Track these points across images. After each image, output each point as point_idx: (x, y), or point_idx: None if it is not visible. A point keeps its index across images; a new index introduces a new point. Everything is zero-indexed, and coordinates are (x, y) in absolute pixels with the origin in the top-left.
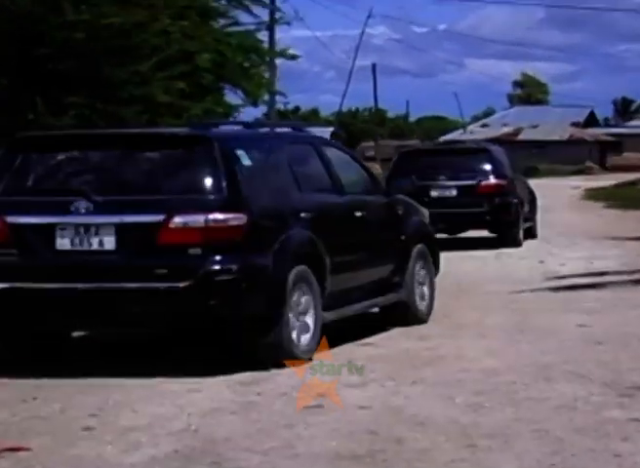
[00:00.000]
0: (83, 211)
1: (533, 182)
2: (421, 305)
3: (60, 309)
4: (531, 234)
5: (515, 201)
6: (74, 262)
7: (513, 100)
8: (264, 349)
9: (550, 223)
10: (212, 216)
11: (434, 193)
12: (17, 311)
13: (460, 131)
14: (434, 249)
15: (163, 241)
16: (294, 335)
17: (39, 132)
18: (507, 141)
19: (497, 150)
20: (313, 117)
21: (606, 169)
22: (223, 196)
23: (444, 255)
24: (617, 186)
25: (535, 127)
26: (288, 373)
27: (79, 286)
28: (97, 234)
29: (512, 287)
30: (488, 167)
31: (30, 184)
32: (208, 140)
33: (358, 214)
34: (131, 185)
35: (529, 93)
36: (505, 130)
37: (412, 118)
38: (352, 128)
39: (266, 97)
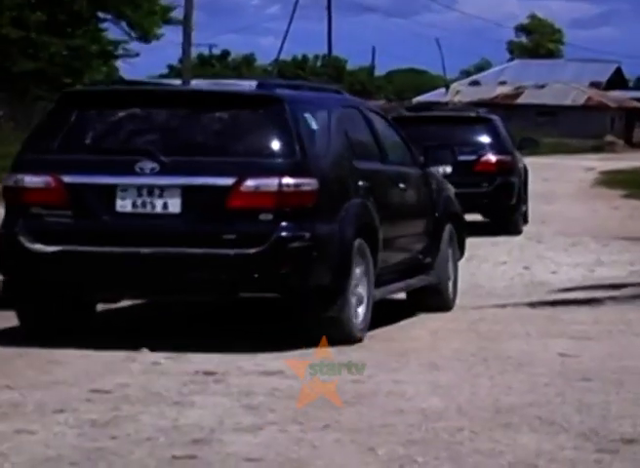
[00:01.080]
0: (148, 171)
1: (534, 161)
2: (451, 290)
3: (119, 275)
4: (523, 219)
5: (517, 181)
6: (135, 226)
7: (515, 51)
8: (324, 324)
9: (548, 217)
10: (285, 181)
11: None
12: (69, 276)
13: (443, 90)
14: (462, 229)
15: (233, 205)
16: (353, 311)
17: (94, 87)
18: (503, 106)
19: (496, 120)
20: (246, 65)
21: (632, 145)
22: (297, 160)
23: None
24: None
25: (541, 87)
26: (157, 412)
27: (140, 250)
28: (161, 196)
29: (482, 301)
30: (488, 140)
31: (88, 142)
32: (279, 101)
33: (402, 185)
34: (199, 146)
35: (537, 41)
36: (502, 90)
37: (379, 71)
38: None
39: (180, 36)
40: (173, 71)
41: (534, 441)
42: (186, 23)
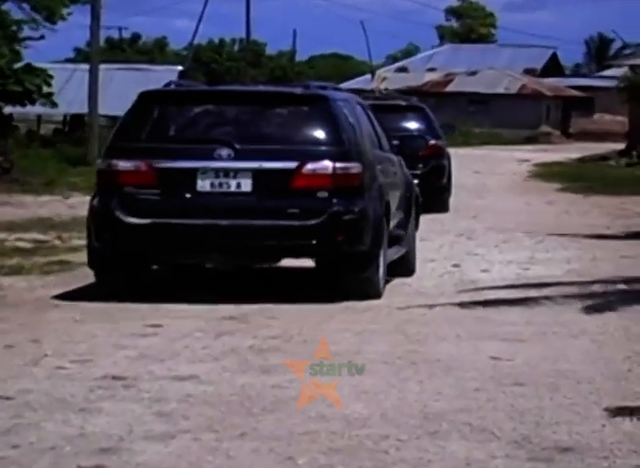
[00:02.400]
0: (224, 157)
1: (464, 153)
2: (413, 259)
3: (201, 242)
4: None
5: (447, 164)
6: (213, 202)
7: (445, 36)
8: (361, 283)
9: (479, 212)
10: (338, 165)
11: None
12: (158, 244)
13: (368, 76)
14: (419, 207)
15: (295, 185)
16: (381, 273)
17: (169, 88)
18: (433, 94)
19: (426, 108)
20: (159, 49)
21: (569, 136)
22: (345, 148)
23: None
24: (581, 161)
25: (473, 74)
26: (61, 419)
27: (219, 222)
28: (235, 177)
29: (409, 300)
30: (421, 126)
31: (172, 133)
32: (326, 99)
33: (392, 169)
34: (265, 136)
35: (468, 25)
36: (432, 77)
37: (301, 56)
38: (215, 67)
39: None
40: (80, 55)
41: (464, 449)
42: (95, 3)
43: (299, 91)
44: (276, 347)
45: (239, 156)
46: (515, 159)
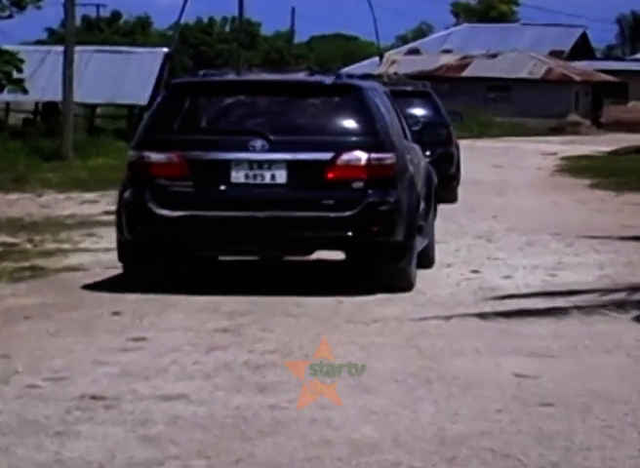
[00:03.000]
0: (258, 148)
1: (483, 145)
2: (433, 250)
3: (237, 234)
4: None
5: (456, 152)
6: (247, 194)
7: (461, 14)
8: (395, 275)
9: (500, 211)
10: (373, 155)
11: None
12: (191, 236)
13: (375, 59)
14: (437, 197)
15: (330, 176)
16: (414, 264)
17: (199, 78)
18: (448, 79)
19: (433, 94)
20: (141, 30)
21: (600, 126)
22: (379, 138)
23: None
24: (613, 154)
25: (492, 57)
26: (35, 444)
27: (256, 214)
28: (269, 169)
29: (423, 311)
30: (429, 113)
31: (204, 125)
32: (359, 89)
33: (416, 158)
34: (299, 127)
35: (488, 3)
36: (446, 60)
37: (300, 37)
38: (204, 49)
39: None
40: (52, 37)
41: None
42: None
43: (330, 80)
44: (274, 363)
45: (273, 147)
46: (540, 152)
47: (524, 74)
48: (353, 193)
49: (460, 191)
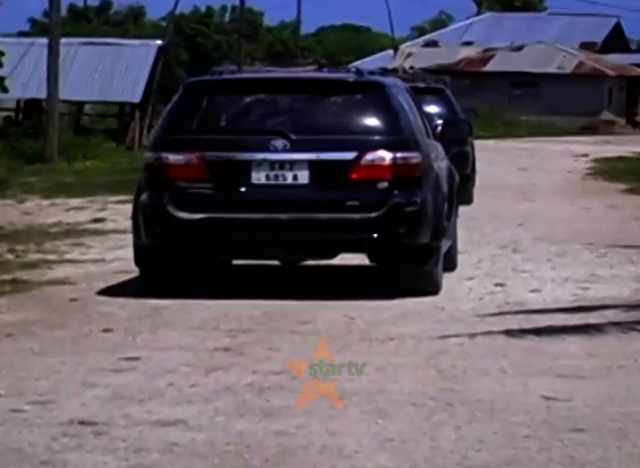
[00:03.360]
0: (280, 148)
1: (508, 146)
2: (456, 253)
3: (259, 237)
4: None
5: (471, 151)
6: (269, 195)
7: (484, 3)
8: (422, 278)
9: (527, 219)
10: (399, 155)
11: None
12: (211, 240)
13: (390, 52)
14: (457, 196)
15: (354, 176)
16: (441, 266)
17: (215, 76)
18: (469, 73)
19: (448, 90)
20: (133, 20)
21: (636, 125)
22: (404, 137)
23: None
24: None
25: (518, 49)
26: None
27: (279, 216)
28: (291, 169)
29: (442, 328)
30: (443, 110)
31: (223, 124)
32: (382, 86)
33: (440, 157)
34: (321, 126)
35: None
36: (467, 53)
37: (307, 28)
38: (201, 41)
39: None
40: (36, 28)
41: None
42: None
43: (352, 77)
44: (280, 385)
45: (295, 147)
46: (570, 153)
47: (552, 68)
48: (378, 194)
49: (483, 196)
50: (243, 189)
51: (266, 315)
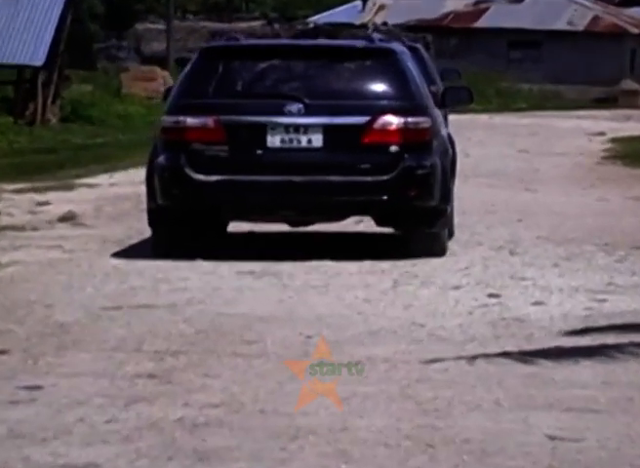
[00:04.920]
0: (294, 112)
1: (504, 122)
2: (452, 220)
3: (273, 199)
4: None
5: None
6: (283, 158)
7: None
8: (429, 239)
9: (527, 213)
10: (410, 119)
11: None
12: (227, 201)
13: (357, 4)
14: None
15: (366, 140)
16: (447, 228)
17: (231, 42)
18: (456, 31)
19: (420, 48)
20: None
21: None
22: (415, 102)
23: None
24: None
25: (517, 1)
26: None
27: (293, 178)
28: (305, 133)
29: (421, 349)
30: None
31: (239, 89)
32: (393, 53)
33: (443, 122)
34: (334, 91)
35: None
36: (454, 5)
37: None
38: None
39: None
40: None
41: None
42: None
43: (362, 44)
44: (218, 420)
45: (309, 111)
46: (582, 131)
47: (560, 25)
48: (390, 157)
49: (474, 185)
50: (258, 152)
51: (201, 333)
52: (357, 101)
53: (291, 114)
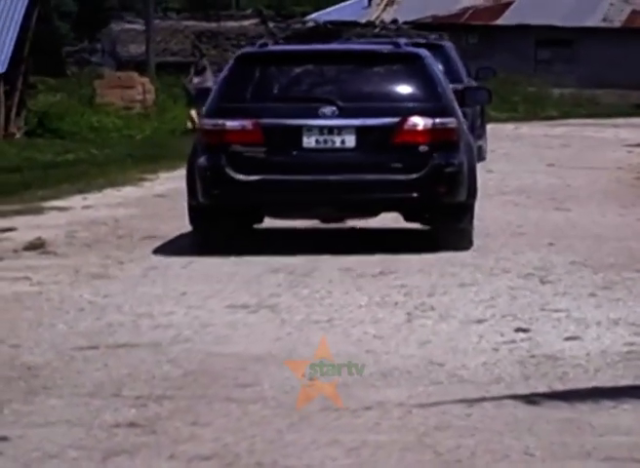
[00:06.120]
0: (329, 114)
1: (530, 132)
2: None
3: (310, 197)
4: (480, 155)
5: (470, 112)
6: (318, 158)
7: None
8: (457, 233)
9: (559, 235)
10: (437, 120)
11: None
12: (265, 200)
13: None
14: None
15: (397, 140)
16: (473, 224)
17: (265, 49)
18: (475, 29)
19: (449, 46)
20: None
21: None
22: (442, 104)
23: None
24: None
25: None
26: None
27: (326, 177)
28: (339, 134)
29: (439, 391)
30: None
31: (276, 93)
32: (420, 58)
33: (464, 122)
34: (366, 94)
35: None
36: (473, 1)
37: None
38: None
39: None
40: None
41: None
42: None
43: (390, 49)
44: None
45: (342, 114)
46: (620, 142)
47: (595, 21)
48: (419, 156)
49: (499, 204)
50: (295, 153)
51: (189, 375)
52: (387, 104)
53: (325, 116)
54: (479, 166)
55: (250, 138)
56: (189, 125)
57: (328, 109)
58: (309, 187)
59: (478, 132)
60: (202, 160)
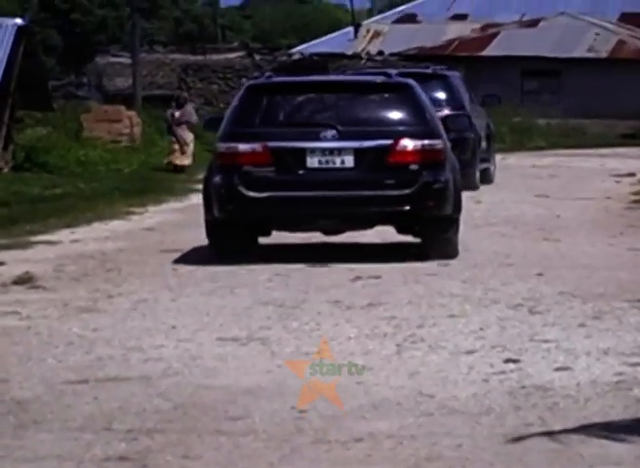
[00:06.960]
0: (330, 138)
1: (521, 163)
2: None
3: (314, 211)
4: (487, 178)
5: (472, 136)
6: (322, 177)
7: None
8: (444, 244)
9: (548, 265)
10: (426, 142)
11: None
12: (274, 214)
13: (349, 31)
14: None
15: (391, 160)
16: (458, 234)
17: (272, 79)
18: (461, 59)
19: (453, 76)
20: None
21: None
22: (430, 127)
23: None
24: None
25: (531, 25)
26: None
27: (328, 194)
28: (339, 155)
29: (431, 423)
30: (442, 96)
31: (282, 119)
32: (410, 87)
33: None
34: (362, 119)
35: None
36: (459, 30)
37: (230, 0)
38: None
39: None
40: None
41: None
42: None
43: (382, 79)
44: None
45: (342, 137)
46: (608, 172)
47: (581, 51)
48: (410, 174)
49: (487, 234)
50: (300, 172)
51: (179, 408)
52: (381, 128)
53: (326, 139)
54: (473, 194)
55: (259, 160)
56: (172, 159)
57: (329, 133)
58: (313, 203)
59: (484, 155)
60: (217, 179)
